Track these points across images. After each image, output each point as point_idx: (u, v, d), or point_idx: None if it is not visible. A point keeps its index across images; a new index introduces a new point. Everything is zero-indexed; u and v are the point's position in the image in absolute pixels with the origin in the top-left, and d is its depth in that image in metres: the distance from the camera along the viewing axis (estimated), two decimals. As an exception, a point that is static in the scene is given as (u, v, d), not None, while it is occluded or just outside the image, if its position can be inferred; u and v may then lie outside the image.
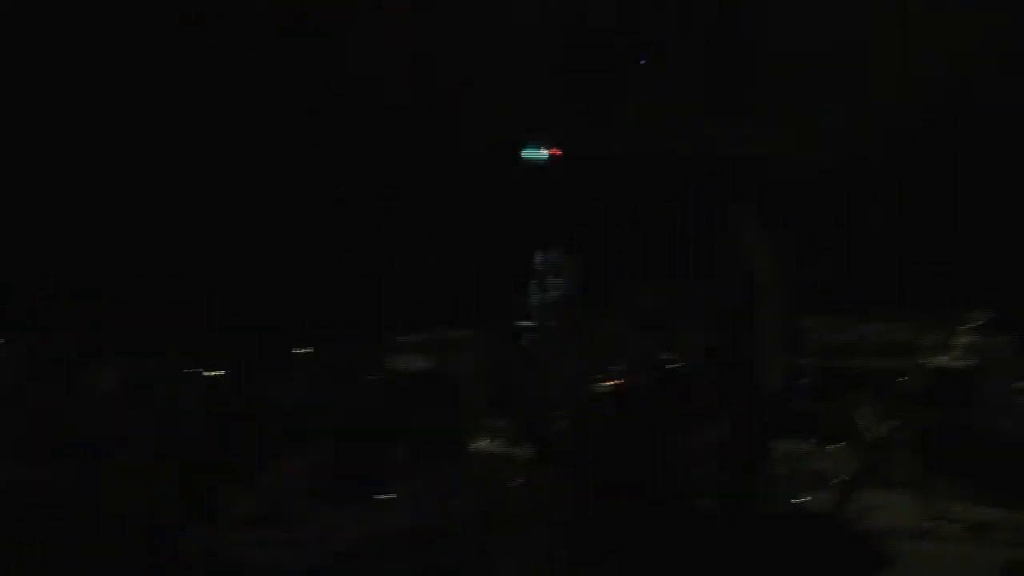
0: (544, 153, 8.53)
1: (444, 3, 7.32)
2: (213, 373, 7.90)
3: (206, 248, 8.61)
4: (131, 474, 5.85)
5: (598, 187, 8.32)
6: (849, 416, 6.03)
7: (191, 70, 7.73)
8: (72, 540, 4.81)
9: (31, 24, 7.02)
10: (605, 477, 4.96)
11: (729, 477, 4.76)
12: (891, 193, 8.55)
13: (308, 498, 6.27)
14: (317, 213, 8.59)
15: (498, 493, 5.26)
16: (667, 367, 5.42)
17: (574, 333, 5.90)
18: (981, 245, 7.89)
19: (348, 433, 6.98)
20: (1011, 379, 6.83)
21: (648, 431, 4.95)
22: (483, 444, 5.56)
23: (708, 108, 8.45)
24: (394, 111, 8.34)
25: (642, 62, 8.07)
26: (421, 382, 6.26)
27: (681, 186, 5.66)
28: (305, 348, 8.52)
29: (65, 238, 7.77)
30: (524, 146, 8.48)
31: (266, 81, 7.93)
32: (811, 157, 8.82)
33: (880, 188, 8.63)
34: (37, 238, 7.66)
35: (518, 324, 5.88)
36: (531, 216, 8.06)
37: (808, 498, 5.78)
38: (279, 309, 8.60)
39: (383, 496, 6.37)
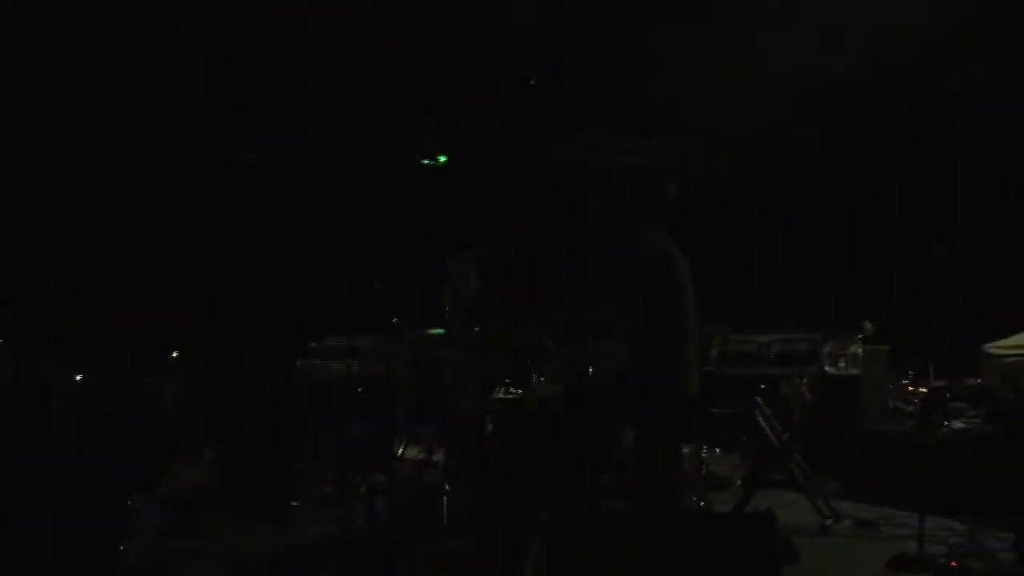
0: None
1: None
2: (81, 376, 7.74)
3: (100, 244, 8.43)
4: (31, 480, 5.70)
5: (504, 195, 8.64)
6: (746, 421, 6.43)
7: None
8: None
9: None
10: (526, 482, 5.16)
11: (644, 481, 4.99)
12: (783, 208, 9.13)
13: (216, 508, 6.28)
14: (225, 214, 8.54)
15: (421, 499, 5.42)
16: (586, 376, 5.68)
17: (485, 342, 6.04)
18: (867, 259, 8.49)
19: (256, 439, 6.99)
20: (885, 385, 7.45)
21: (567, 438, 5.14)
22: (405, 450, 5.71)
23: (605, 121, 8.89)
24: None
25: (531, 83, 8.40)
26: (334, 388, 6.35)
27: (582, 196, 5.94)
28: (191, 350, 8.44)
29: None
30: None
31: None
32: (707, 168, 9.35)
33: (773, 202, 9.20)
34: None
35: (429, 331, 6.02)
36: (439, 221, 8.28)
37: (710, 500, 6.18)
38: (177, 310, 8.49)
39: (294, 504, 6.44)
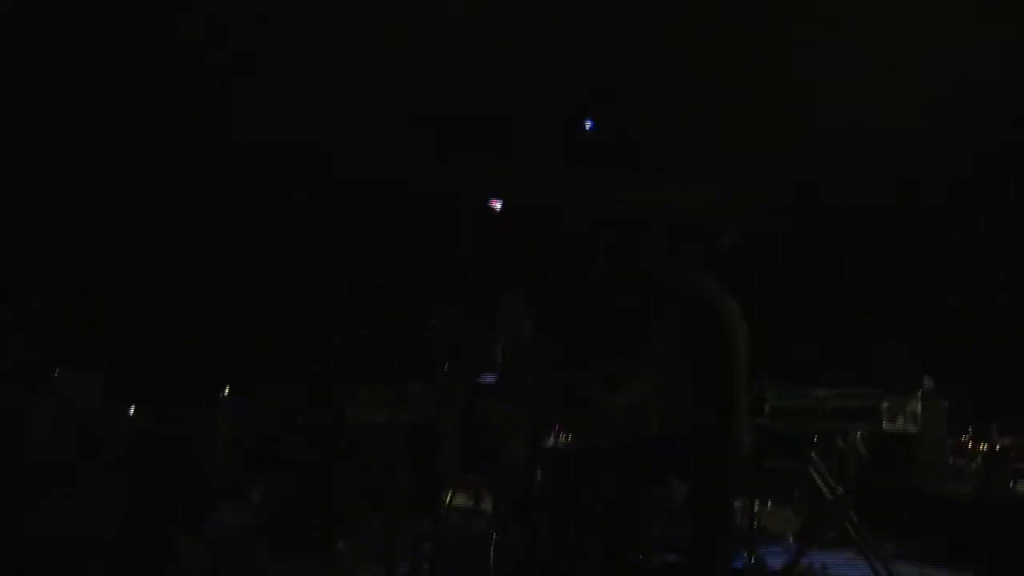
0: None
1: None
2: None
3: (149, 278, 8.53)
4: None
5: (560, 238, 8.73)
6: (802, 477, 6.36)
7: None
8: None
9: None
10: (575, 534, 5.16)
11: (697, 535, 4.96)
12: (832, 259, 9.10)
13: (258, 549, 6.33)
14: (269, 254, 8.66)
15: (468, 548, 5.44)
16: (635, 425, 5.68)
17: (533, 389, 6.05)
18: (927, 311, 8.41)
19: (300, 481, 7.06)
20: (946, 443, 7.32)
21: (617, 489, 5.13)
22: (453, 498, 5.74)
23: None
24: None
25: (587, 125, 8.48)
26: (381, 433, 6.39)
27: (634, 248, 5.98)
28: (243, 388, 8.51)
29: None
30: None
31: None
32: (751, 217, 9.35)
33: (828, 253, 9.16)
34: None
35: (480, 377, 6.06)
36: (489, 265, 8.38)
37: (762, 555, 6.11)
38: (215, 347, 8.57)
39: (339, 547, 6.47)
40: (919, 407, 6.29)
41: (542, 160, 8.73)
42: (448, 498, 5.76)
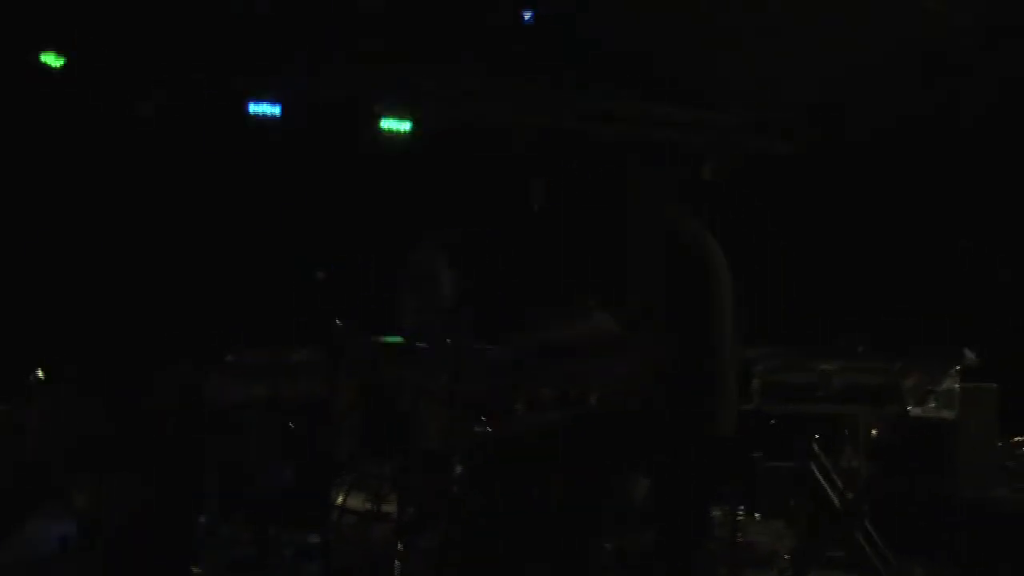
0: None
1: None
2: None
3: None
4: None
5: (492, 174, 9.07)
6: (800, 477, 6.76)
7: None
8: None
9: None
10: (503, 542, 5.56)
11: (660, 550, 5.33)
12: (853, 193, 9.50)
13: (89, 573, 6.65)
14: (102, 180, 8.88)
15: (366, 563, 5.81)
16: (585, 406, 6.06)
17: (457, 358, 6.41)
18: (970, 265, 8.81)
19: (144, 484, 7.35)
20: (995, 435, 7.69)
21: (559, 486, 5.50)
22: (348, 498, 6.10)
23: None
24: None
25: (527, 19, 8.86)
26: (254, 416, 6.70)
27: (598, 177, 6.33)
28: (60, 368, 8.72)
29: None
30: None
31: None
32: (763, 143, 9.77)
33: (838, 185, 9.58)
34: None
35: (385, 341, 6.43)
36: (402, 206, 8.71)
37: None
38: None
39: (196, 570, 6.79)
40: (958, 387, 6.62)
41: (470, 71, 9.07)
42: (341, 499, 6.10)
